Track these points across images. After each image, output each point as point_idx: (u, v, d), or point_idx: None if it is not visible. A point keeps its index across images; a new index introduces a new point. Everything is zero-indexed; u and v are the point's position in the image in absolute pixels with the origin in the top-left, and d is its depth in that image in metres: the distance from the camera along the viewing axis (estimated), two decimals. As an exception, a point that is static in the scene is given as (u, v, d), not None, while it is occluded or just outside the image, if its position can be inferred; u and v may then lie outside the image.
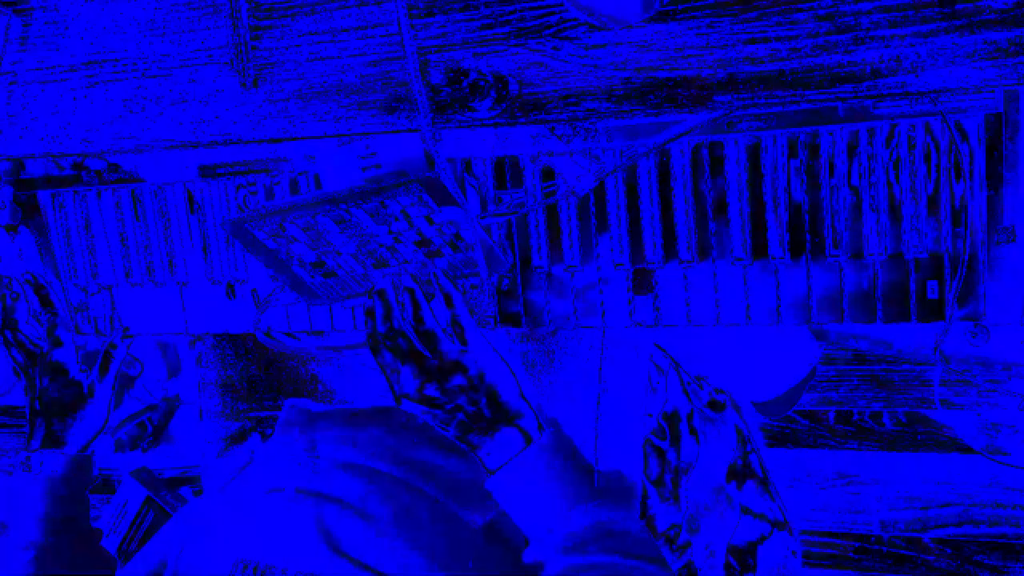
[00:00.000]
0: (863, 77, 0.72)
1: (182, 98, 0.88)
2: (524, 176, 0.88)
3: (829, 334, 1.10)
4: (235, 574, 0.76)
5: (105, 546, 0.97)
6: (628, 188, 0.87)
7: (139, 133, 0.90)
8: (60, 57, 0.91)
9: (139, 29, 0.88)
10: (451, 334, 0.80)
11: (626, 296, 0.89)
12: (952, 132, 0.76)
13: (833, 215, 0.82)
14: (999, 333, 0.79)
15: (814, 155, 0.81)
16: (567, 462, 0.77)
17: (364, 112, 0.84)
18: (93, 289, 1.05)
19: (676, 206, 0.86)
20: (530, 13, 0.78)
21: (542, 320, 0.92)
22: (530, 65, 0.79)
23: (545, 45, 0.78)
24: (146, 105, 0.89)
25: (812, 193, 0.82)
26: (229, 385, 1.16)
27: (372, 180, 0.82)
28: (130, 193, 1.01)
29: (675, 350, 0.96)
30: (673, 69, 0.76)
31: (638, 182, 0.86)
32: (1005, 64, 0.70)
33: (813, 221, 0.82)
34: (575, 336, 1.01)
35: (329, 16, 0.83)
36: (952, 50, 0.70)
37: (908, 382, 1.22)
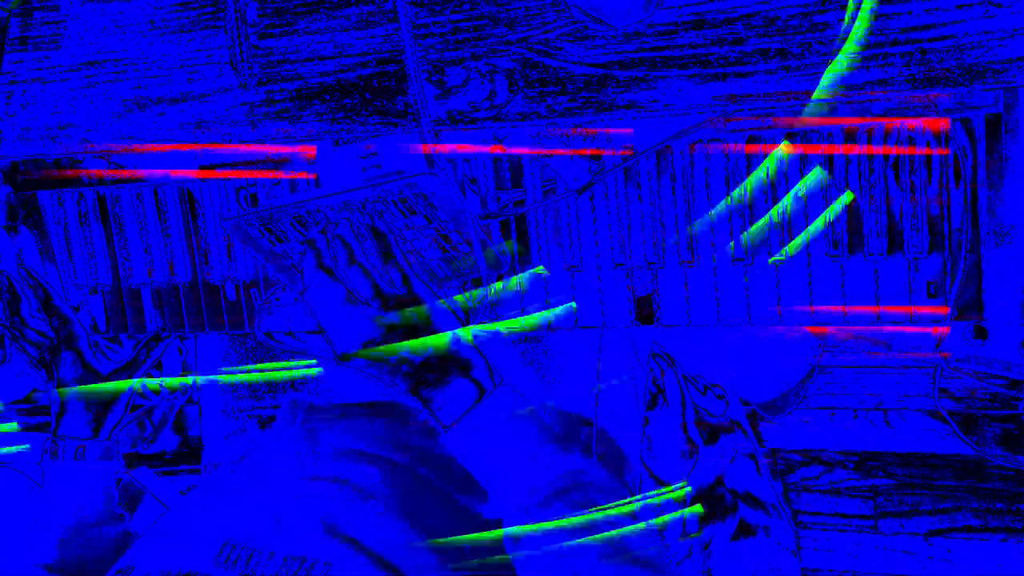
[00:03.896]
0: (863, 77, 0.72)
1: (182, 98, 0.88)
2: (524, 176, 0.88)
3: (829, 334, 1.10)
4: (222, 556, 0.74)
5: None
6: (628, 188, 0.87)
7: (139, 133, 0.90)
8: (60, 57, 0.91)
9: (139, 29, 0.88)
10: (392, 281, 0.78)
11: (626, 295, 0.89)
12: (952, 132, 0.76)
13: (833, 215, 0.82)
14: (999, 333, 0.78)
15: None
16: (526, 413, 0.74)
17: (364, 112, 0.84)
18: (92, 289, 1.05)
19: (676, 206, 0.86)
20: (530, 13, 0.78)
21: (542, 320, 0.92)
22: (530, 65, 0.79)
23: (545, 45, 0.78)
24: (146, 105, 0.89)
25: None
26: (229, 384, 1.16)
27: (372, 180, 0.82)
28: (130, 193, 1.01)
29: (675, 350, 0.96)
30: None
31: (638, 182, 0.86)
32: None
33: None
34: (575, 336, 1.01)
35: (329, 16, 0.83)
36: (952, 50, 0.70)
37: (907, 382, 1.22)
